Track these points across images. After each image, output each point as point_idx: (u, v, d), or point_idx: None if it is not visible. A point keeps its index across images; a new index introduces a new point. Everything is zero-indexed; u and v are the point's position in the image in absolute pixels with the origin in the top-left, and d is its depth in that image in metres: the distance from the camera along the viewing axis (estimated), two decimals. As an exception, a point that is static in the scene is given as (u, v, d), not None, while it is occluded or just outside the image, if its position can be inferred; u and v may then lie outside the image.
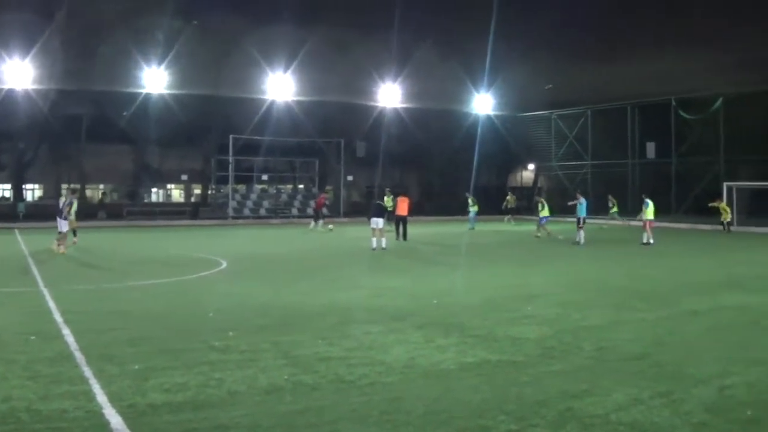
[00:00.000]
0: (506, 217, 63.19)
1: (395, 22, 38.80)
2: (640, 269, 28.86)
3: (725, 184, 57.07)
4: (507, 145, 75.44)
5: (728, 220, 52.46)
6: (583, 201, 38.95)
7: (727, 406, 10.32)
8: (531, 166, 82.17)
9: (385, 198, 44.70)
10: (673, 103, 64.19)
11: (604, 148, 70.36)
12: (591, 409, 10.04)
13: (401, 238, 39.02)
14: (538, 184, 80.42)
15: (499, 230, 53.61)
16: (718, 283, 24.55)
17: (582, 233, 37.74)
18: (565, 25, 36.45)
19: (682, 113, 64.11)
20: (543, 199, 45.79)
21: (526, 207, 73.46)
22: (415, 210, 48.06)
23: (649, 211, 38.66)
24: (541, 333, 15.27)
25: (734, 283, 24.48)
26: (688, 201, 63.61)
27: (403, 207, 38.98)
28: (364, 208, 65.26)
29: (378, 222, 34.27)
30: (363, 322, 16.24)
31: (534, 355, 13.24)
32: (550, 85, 56.88)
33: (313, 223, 50.72)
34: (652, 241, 37.73)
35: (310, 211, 61.87)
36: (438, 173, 74.51)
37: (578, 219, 38.44)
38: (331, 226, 50.20)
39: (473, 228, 53.54)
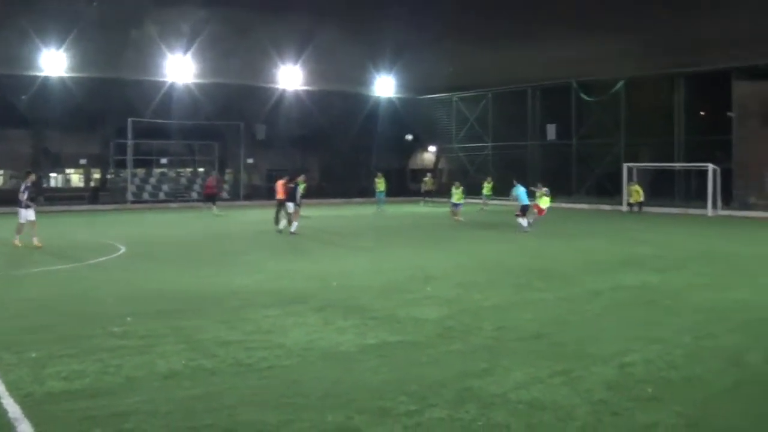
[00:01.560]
0: (422, 200, 63.30)
1: (296, 3, 38.67)
2: (541, 249, 29.16)
3: (625, 165, 57.74)
4: (408, 127, 75.52)
5: (639, 200, 52.99)
6: (521, 188, 37.24)
7: (627, 384, 10.55)
8: (432, 148, 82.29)
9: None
10: (574, 85, 64.62)
11: (505, 130, 70.67)
12: (490, 388, 10.18)
13: (277, 224, 38.00)
14: (439, 166, 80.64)
15: (408, 212, 53.58)
16: (618, 263, 24.89)
17: (522, 220, 36.30)
18: (467, 8, 36.57)
19: (583, 96, 64.68)
20: (459, 183, 45.40)
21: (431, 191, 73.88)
22: (317, 193, 47.94)
23: (546, 199, 38.24)
24: (441, 314, 15.40)
25: (634, 263, 24.85)
26: (588, 182, 64.35)
27: (281, 191, 38.02)
28: (265, 191, 64.95)
29: (288, 206, 34.05)
30: (262, 305, 16.22)
31: (434, 336, 13.37)
32: (451, 68, 57.04)
33: (213, 208, 50.13)
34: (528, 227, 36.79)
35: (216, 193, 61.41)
36: (339, 156, 74.32)
37: (522, 207, 36.78)
38: (214, 210, 49.50)
39: (381, 209, 53.76)
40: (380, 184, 54.93)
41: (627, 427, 8.86)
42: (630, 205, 53.49)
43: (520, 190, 36.59)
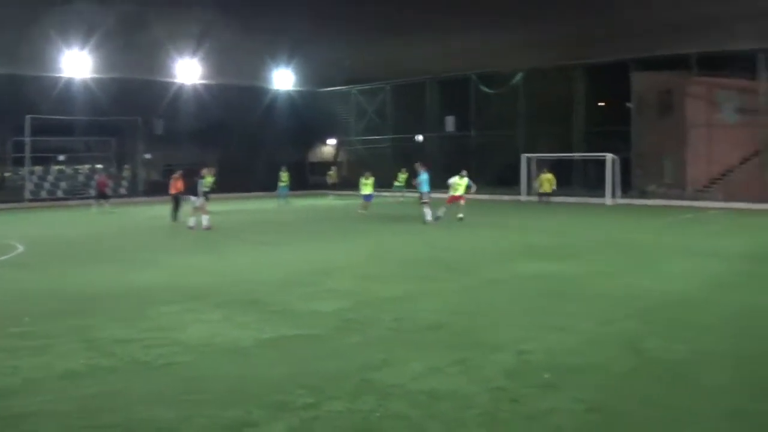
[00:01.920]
0: (330, 194, 63.11)
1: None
2: (441, 240, 29.27)
3: (524, 156, 58.29)
4: (307, 120, 75.36)
5: (548, 191, 53.33)
6: (425, 175, 37.14)
7: (525, 371, 10.66)
8: (332, 141, 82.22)
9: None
10: (473, 77, 65.08)
11: (404, 123, 70.93)
12: (389, 379, 10.21)
13: (175, 219, 37.62)
14: (339, 159, 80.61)
15: (309, 205, 53.41)
16: (517, 252, 25.14)
17: (426, 209, 35.82)
18: (366, 0, 36.72)
19: (482, 87, 65.10)
20: (369, 175, 44.79)
21: (325, 182, 73.79)
22: (216, 187, 47.64)
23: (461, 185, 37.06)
24: (341, 306, 15.40)
25: (533, 252, 25.10)
26: (487, 173, 64.83)
27: (176, 185, 37.63)
28: (164, 186, 64.39)
29: (193, 200, 33.68)
30: (161, 302, 16.02)
31: (332, 329, 13.36)
32: (349, 61, 57.03)
33: (96, 204, 49.38)
34: (441, 215, 36.36)
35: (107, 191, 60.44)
36: (238, 150, 73.86)
37: (420, 194, 36.84)
38: (106, 206, 48.83)
39: (287, 202, 53.66)
40: (284, 178, 54.73)
41: (525, 414, 8.94)
42: (540, 195, 53.79)
43: (423, 177, 36.46)
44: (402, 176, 56.50)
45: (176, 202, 37.53)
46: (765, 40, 47.59)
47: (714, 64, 53.80)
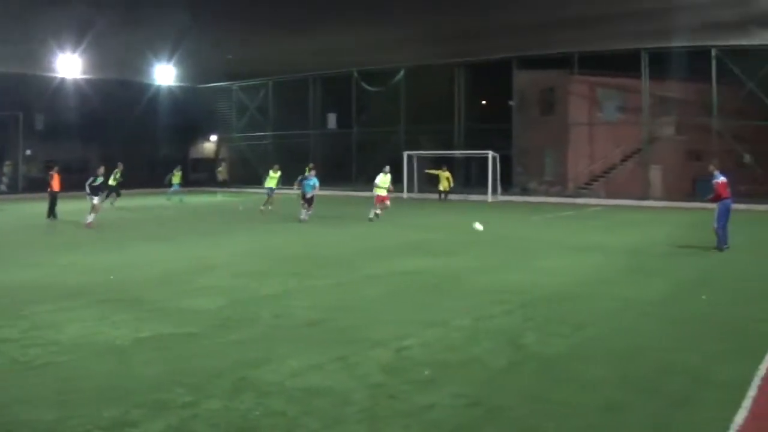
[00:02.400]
0: (219, 191, 62.54)
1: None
2: (320, 238, 29.32)
3: (405, 153, 58.52)
4: (188, 116, 74.83)
5: (447, 189, 53.42)
6: (313, 180, 35.82)
7: (404, 367, 10.72)
8: (213, 137, 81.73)
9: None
10: (355, 74, 65.24)
11: (286, 119, 70.86)
12: (267, 377, 10.19)
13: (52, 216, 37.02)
14: (220, 156, 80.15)
15: (191, 202, 52.91)
16: (396, 248, 25.33)
17: (304, 211, 35.22)
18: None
19: (364, 85, 65.25)
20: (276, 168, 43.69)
21: (207, 179, 73.34)
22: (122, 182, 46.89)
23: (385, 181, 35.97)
24: (218, 304, 15.32)
25: (412, 248, 25.31)
26: (369, 170, 65.00)
27: (55, 183, 37.08)
28: (45, 183, 63.45)
29: (93, 198, 33.01)
30: (39, 301, 15.67)
31: (210, 327, 13.28)
32: (230, 56, 56.63)
33: None
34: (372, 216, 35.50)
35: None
36: (120, 145, 72.96)
37: (303, 194, 35.49)
38: None
39: (180, 200, 53.21)
40: (176, 177, 54.25)
41: (404, 410, 8.97)
42: (439, 192, 53.91)
43: (311, 182, 35.48)
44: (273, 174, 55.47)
45: (53, 199, 36.88)
46: (646, 39, 48.43)
47: (596, 62, 54.60)
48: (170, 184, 54.32)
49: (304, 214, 35.00)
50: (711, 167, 26.16)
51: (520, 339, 12.43)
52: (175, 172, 54.65)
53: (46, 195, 37.43)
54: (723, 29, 41.60)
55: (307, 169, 37.08)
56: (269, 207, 40.91)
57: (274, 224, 35.01)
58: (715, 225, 24.82)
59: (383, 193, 35.49)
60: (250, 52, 54.76)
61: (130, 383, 9.97)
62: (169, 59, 60.77)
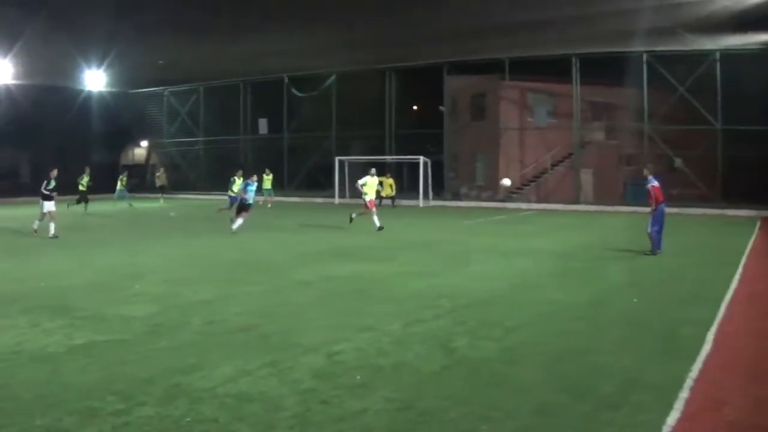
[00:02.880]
0: (161, 197, 61.89)
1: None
2: (252, 244, 29.15)
3: (337, 159, 58.61)
4: (119, 121, 74.39)
5: (391, 195, 53.40)
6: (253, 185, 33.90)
7: (336, 372, 10.74)
8: (144, 143, 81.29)
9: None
10: (286, 80, 65.21)
11: (217, 125, 70.75)
12: (199, 383, 10.16)
13: None
14: (151, 161, 79.68)
15: (122, 209, 52.38)
16: (328, 254, 25.30)
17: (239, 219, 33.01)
18: (178, 2, 36.18)
19: (294, 90, 65.25)
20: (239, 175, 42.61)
21: (138, 185, 72.84)
22: (26, 190, 46.17)
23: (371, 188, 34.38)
24: (150, 311, 15.24)
25: (344, 254, 25.30)
26: (300, 175, 65.02)
27: None
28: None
29: (45, 205, 32.01)
30: (-33, 309, 15.48)
31: (142, 333, 13.21)
32: (162, 62, 56.30)
33: None
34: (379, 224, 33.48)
35: None
36: (50, 152, 72.29)
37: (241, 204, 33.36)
38: None
39: (129, 205, 52.88)
40: (123, 181, 53.99)
41: (336, 415, 8.99)
42: (381, 198, 53.99)
43: (252, 187, 33.55)
44: (267, 178, 54.05)
45: None
46: (577, 44, 48.83)
47: (527, 68, 54.93)
48: (120, 190, 54.01)
49: (238, 223, 32.98)
50: (645, 171, 26.39)
51: (452, 343, 12.51)
52: (121, 177, 54.32)
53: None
54: (654, 35, 42.03)
55: (238, 175, 36.86)
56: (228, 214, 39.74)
57: (207, 231, 34.80)
58: (650, 229, 25.04)
59: (373, 197, 34.25)
60: (182, 58, 54.46)
61: (63, 391, 9.89)
62: (99, 65, 60.23)
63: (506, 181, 26.21)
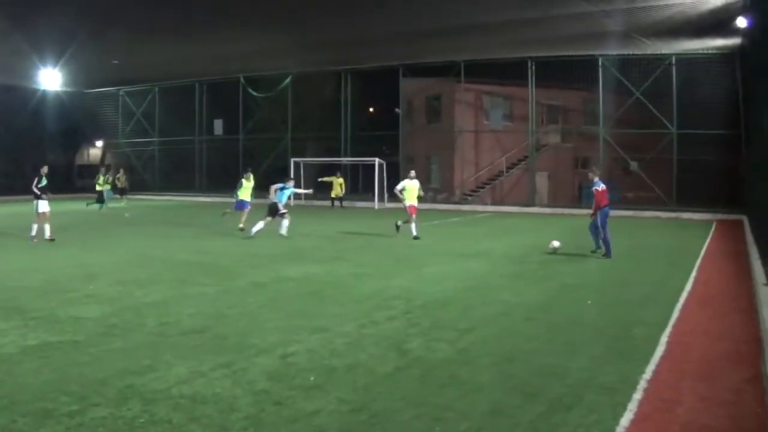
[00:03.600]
0: (121, 198, 61.07)
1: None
2: (204, 245, 29.17)
3: (292, 160, 58.62)
4: (75, 121, 73.98)
5: (340, 195, 53.25)
6: (290, 186, 33.85)
7: (290, 373, 10.78)
8: (99, 143, 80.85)
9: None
10: (242, 81, 65.11)
11: (172, 125, 70.49)
12: (153, 384, 10.15)
13: None
14: (106, 162, 79.23)
15: (77, 209, 52.00)
16: (280, 256, 25.31)
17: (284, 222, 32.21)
18: (136, 1, 35.98)
19: (250, 91, 65.17)
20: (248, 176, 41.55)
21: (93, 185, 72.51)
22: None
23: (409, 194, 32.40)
24: (103, 312, 15.20)
25: (297, 255, 25.31)
26: (256, 177, 64.92)
27: None
28: None
29: (40, 205, 31.09)
30: None
31: (95, 334, 13.17)
32: (116, 61, 55.96)
33: None
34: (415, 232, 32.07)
35: None
36: (3, 152, 71.82)
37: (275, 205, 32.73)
38: None
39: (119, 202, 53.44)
40: (101, 181, 53.78)
41: (290, 416, 9.03)
42: (332, 199, 53.86)
43: (285, 190, 33.47)
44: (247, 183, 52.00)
45: None
46: (532, 47, 49.05)
47: (482, 71, 55.16)
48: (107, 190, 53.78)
49: (284, 227, 31.72)
50: (590, 174, 26.53)
51: (405, 344, 12.59)
52: (98, 176, 53.93)
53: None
54: (610, 38, 42.28)
55: (246, 177, 35.30)
56: (239, 224, 37.76)
57: (160, 232, 34.74)
58: (603, 234, 25.19)
59: (414, 203, 32.24)
60: (137, 58, 54.21)
61: (16, 392, 9.86)
62: (55, 64, 59.85)
63: (556, 243, 26.27)
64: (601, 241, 25.50)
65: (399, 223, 32.90)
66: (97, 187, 48.07)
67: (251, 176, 36.62)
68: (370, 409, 9.30)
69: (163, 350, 12.02)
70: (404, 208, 32.65)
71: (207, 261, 24.10)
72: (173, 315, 14.91)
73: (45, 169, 30.68)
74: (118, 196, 59.90)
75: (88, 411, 9.10)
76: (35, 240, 29.68)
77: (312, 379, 10.49)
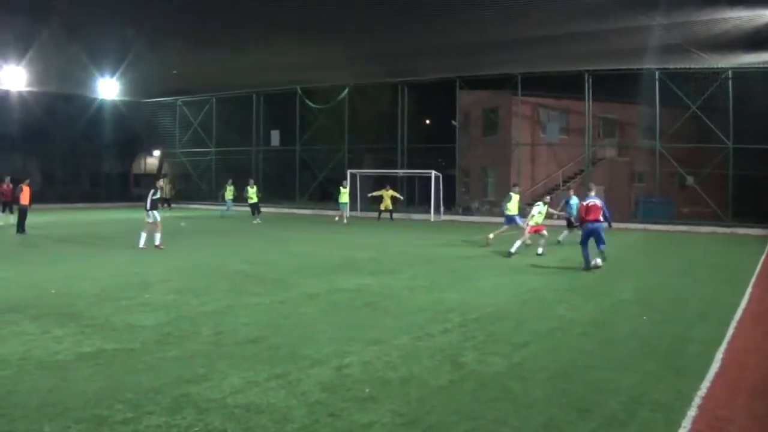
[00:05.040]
0: (166, 207, 61.22)
1: (18, 1, 37.21)
2: (259, 255, 29.15)
3: (348, 172, 58.56)
4: (132, 131, 74.53)
5: (390, 207, 53.20)
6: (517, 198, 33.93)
7: (344, 385, 10.73)
8: (156, 153, 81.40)
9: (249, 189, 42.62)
10: (299, 92, 65.25)
11: (229, 136, 70.79)
12: (207, 393, 10.17)
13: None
14: (163, 171, 79.72)
15: (132, 218, 52.49)
16: (335, 267, 25.25)
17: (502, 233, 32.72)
18: (192, 11, 36.07)
19: (307, 102, 65.29)
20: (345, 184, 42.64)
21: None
22: (37, 198, 46.15)
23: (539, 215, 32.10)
24: (158, 320, 15.26)
25: (352, 267, 25.24)
26: (311, 188, 65.12)
27: (24, 197, 36.94)
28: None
29: (151, 215, 31.70)
30: (-23, 314, 15.50)
31: (150, 342, 13.21)
32: (175, 71, 56.27)
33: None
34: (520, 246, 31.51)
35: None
36: (61, 159, 72.49)
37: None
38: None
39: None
40: (230, 192, 54.32)
41: (344, 428, 9.01)
42: (380, 211, 53.81)
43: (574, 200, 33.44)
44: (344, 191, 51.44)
45: (21, 213, 36.53)
46: (589, 61, 48.82)
47: (539, 84, 55.04)
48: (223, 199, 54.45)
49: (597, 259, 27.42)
50: (590, 186, 26.15)
51: (460, 357, 12.50)
52: (227, 186, 54.45)
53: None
54: (666, 52, 41.98)
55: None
56: (343, 220, 39.89)
57: (214, 240, 34.93)
58: (582, 246, 24.83)
59: (538, 223, 31.86)
60: (194, 68, 54.49)
61: (71, 398, 9.88)
62: (113, 74, 60.29)
63: (599, 262, 26.07)
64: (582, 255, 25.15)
65: (528, 242, 32.31)
66: (249, 200, 48.61)
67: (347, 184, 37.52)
68: (424, 422, 9.25)
69: (217, 359, 12.04)
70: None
71: (261, 271, 24.10)
72: (228, 324, 14.93)
73: (161, 183, 32.01)
74: (167, 205, 60.33)
75: (143, 419, 9.12)
76: (145, 247, 30.45)
77: (367, 391, 10.46)
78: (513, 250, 30.12)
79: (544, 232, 31.31)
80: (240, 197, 53.23)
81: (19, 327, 14.38)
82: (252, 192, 45.54)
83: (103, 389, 10.32)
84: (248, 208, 50.90)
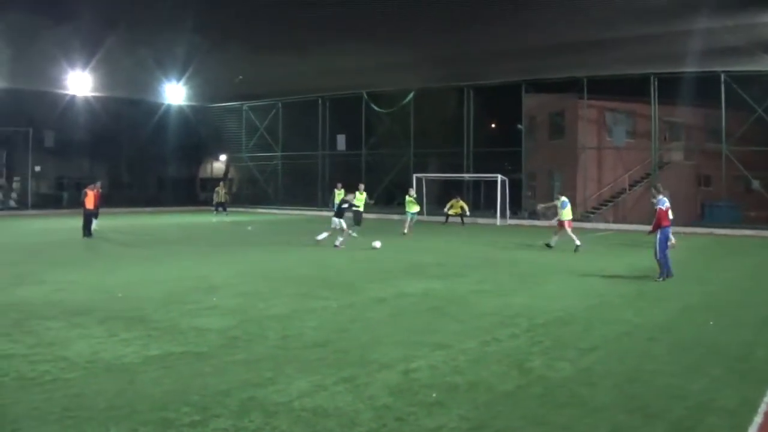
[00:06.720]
0: (215, 211, 61.86)
1: (83, 8, 37.52)
2: (324, 259, 29.14)
3: (414, 176, 58.54)
4: (198, 135, 75.01)
5: (459, 213, 52.92)
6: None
7: (412, 389, 10.71)
8: (222, 157, 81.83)
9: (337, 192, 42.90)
10: (365, 96, 65.36)
11: (295, 140, 71.03)
12: (274, 397, 10.19)
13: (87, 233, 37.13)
14: (229, 176, 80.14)
15: (197, 222, 52.85)
16: (402, 271, 25.24)
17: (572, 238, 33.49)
18: (255, 17, 36.24)
19: (373, 106, 65.34)
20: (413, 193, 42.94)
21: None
22: (103, 201, 46.44)
23: (566, 211, 34.22)
24: (225, 323, 15.37)
25: (418, 271, 25.21)
26: (377, 192, 65.19)
27: (89, 201, 37.19)
28: (53, 199, 63.71)
29: (338, 222, 32.97)
30: (45, 317, 15.72)
31: (217, 346, 13.32)
32: (241, 77, 56.57)
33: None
34: (577, 242, 33.35)
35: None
36: (127, 164, 73.12)
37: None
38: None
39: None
40: (339, 196, 54.65)
41: (410, 432, 8.97)
42: (447, 215, 53.56)
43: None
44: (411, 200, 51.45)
45: (86, 217, 36.86)
46: (655, 64, 48.46)
47: (605, 87, 54.69)
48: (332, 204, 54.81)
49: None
50: (653, 191, 25.69)
51: (527, 362, 12.45)
52: (336, 191, 54.71)
53: (55, 212, 37.45)
54: (731, 54, 41.60)
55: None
56: (404, 229, 40.13)
57: (281, 245, 35.02)
58: (659, 255, 24.33)
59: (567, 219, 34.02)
60: (261, 73, 54.76)
61: (138, 401, 9.96)
62: (179, 79, 60.72)
63: (376, 244, 26.44)
64: (657, 262, 24.69)
65: (578, 243, 33.41)
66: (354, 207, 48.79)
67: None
68: (491, 427, 9.21)
69: (285, 363, 12.07)
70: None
71: (327, 275, 24.15)
72: (295, 328, 14.99)
73: (340, 186, 32.44)
74: (221, 209, 60.59)
75: (210, 422, 9.18)
76: (342, 247, 32.58)
77: (434, 395, 10.42)
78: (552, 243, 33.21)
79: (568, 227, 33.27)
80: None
81: (87, 330, 14.54)
82: (360, 198, 43.04)
83: (169, 392, 10.40)
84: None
